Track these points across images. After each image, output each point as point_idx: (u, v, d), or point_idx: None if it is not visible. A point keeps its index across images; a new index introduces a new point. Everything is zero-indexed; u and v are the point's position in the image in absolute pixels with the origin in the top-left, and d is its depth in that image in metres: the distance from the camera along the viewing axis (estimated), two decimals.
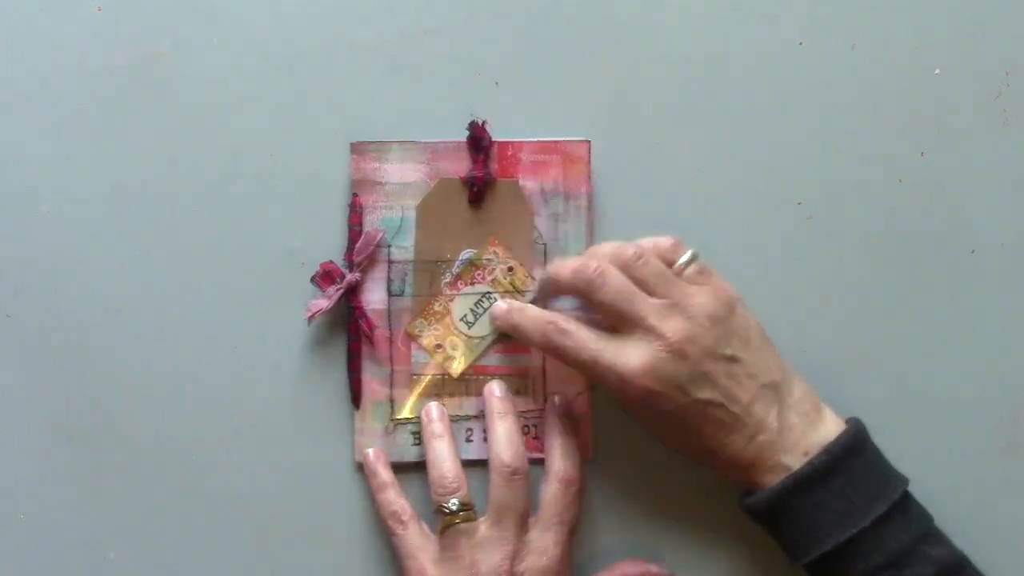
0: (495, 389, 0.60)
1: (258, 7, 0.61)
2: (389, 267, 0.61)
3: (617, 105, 0.61)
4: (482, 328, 0.61)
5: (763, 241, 0.61)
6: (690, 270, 0.57)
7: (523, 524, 0.57)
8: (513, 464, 0.57)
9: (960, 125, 0.61)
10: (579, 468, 0.59)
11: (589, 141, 0.61)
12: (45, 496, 0.63)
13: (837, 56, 0.61)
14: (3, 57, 0.62)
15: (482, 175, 0.60)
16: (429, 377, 0.61)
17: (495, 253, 0.61)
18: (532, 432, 0.61)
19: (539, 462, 0.60)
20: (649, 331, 0.54)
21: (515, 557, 0.57)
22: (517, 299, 0.60)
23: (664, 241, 0.57)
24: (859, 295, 0.61)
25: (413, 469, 0.61)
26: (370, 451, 0.61)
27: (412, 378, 0.61)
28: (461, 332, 0.61)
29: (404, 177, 0.61)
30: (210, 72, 0.61)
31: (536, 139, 0.60)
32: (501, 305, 0.59)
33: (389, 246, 0.61)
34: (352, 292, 0.60)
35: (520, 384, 0.61)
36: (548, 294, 0.59)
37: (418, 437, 0.61)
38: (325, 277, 0.60)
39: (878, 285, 0.61)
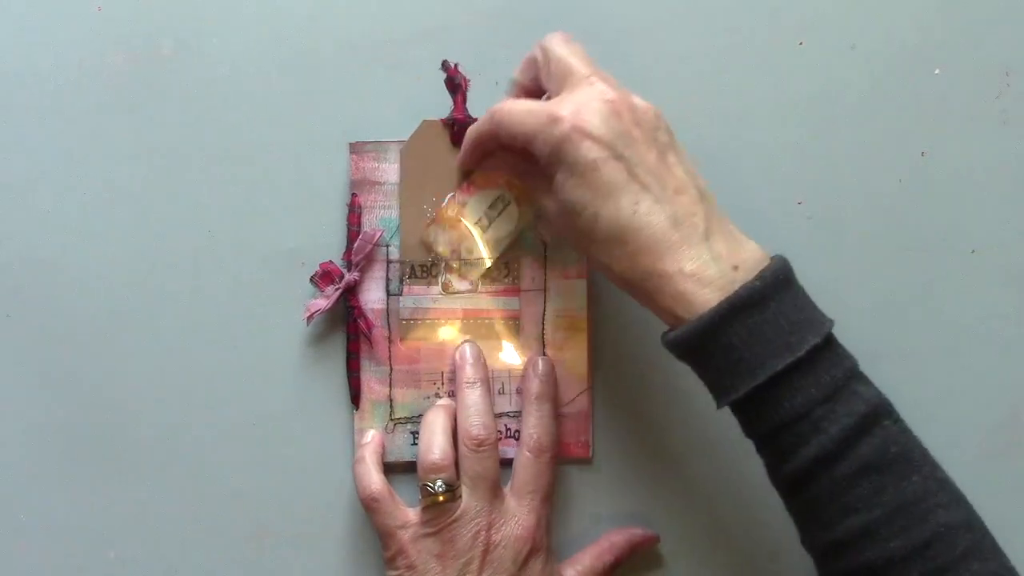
0: (467, 354, 0.60)
1: (258, 7, 0.61)
2: (387, 267, 0.61)
3: None
4: (498, 230, 0.60)
5: (763, 241, 0.61)
6: None
7: (497, 492, 0.58)
8: (480, 436, 0.57)
9: (960, 125, 0.61)
10: (551, 436, 0.59)
11: None
12: (45, 496, 0.63)
13: (837, 56, 0.61)
14: (3, 57, 0.62)
15: (462, 116, 0.60)
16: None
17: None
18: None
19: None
20: (588, 85, 0.52)
21: (491, 527, 0.57)
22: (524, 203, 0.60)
23: None
24: (859, 295, 0.61)
25: (413, 469, 0.61)
26: (371, 432, 0.61)
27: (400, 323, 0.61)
28: (478, 237, 0.60)
29: None
30: (210, 72, 0.61)
31: None
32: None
33: (387, 246, 0.61)
34: (351, 292, 0.60)
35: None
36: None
37: (418, 437, 0.61)
38: (324, 277, 0.61)
39: (878, 285, 0.61)
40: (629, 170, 0.50)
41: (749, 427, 0.51)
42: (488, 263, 0.60)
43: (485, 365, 0.60)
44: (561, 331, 0.61)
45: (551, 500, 0.59)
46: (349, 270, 0.60)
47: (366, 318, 0.61)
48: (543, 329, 0.61)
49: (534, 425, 0.59)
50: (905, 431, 0.50)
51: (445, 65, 0.60)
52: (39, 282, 0.62)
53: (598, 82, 0.52)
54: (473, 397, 0.59)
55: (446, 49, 0.61)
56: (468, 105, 0.60)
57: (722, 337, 0.49)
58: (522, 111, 0.53)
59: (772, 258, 0.51)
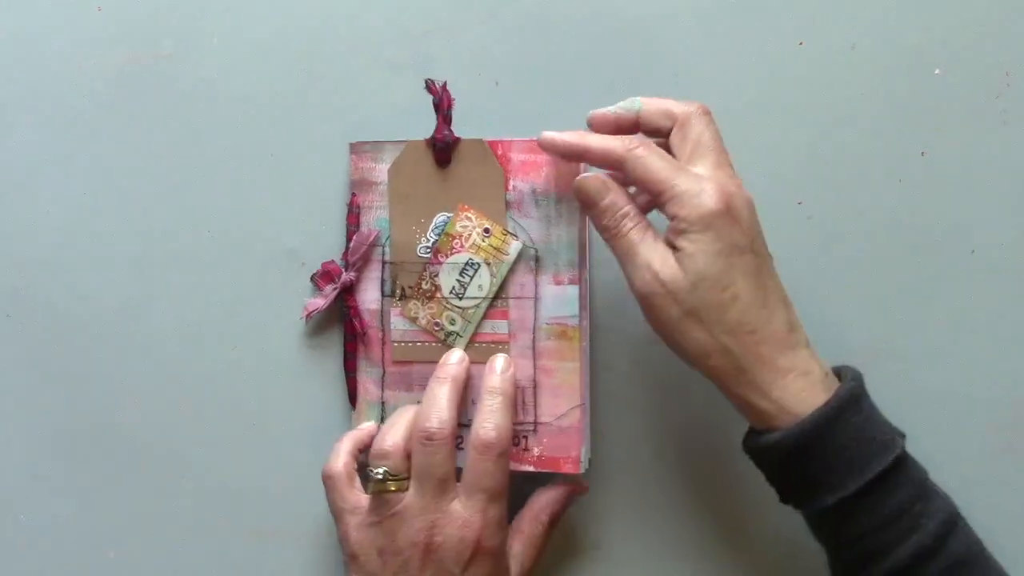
0: (452, 354, 0.59)
1: (258, 7, 0.61)
2: (383, 267, 0.60)
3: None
4: (471, 299, 0.59)
5: None
6: None
7: (445, 492, 0.55)
8: (429, 430, 0.55)
9: (960, 125, 0.60)
10: (500, 432, 0.55)
11: None
12: (45, 496, 0.63)
13: (837, 56, 0.61)
14: (3, 57, 0.62)
15: (442, 136, 0.59)
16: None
17: (468, 218, 0.59)
18: (523, 444, 0.59)
19: (528, 475, 0.59)
20: (728, 176, 0.53)
21: (433, 527, 0.54)
22: (500, 259, 0.59)
23: None
24: (859, 295, 0.61)
25: None
26: (371, 423, 0.60)
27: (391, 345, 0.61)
28: (454, 306, 0.60)
29: None
30: (210, 72, 0.62)
31: (526, 138, 0.58)
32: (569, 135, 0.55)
33: (383, 246, 0.60)
34: (348, 292, 0.60)
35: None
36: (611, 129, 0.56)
37: None
38: (324, 276, 0.61)
39: (878, 285, 0.61)
40: (760, 267, 0.52)
41: (841, 529, 0.52)
42: (464, 342, 0.59)
43: (467, 368, 0.58)
44: (552, 340, 0.58)
45: (504, 500, 0.56)
46: (347, 270, 0.60)
47: (361, 318, 0.60)
48: (533, 338, 0.59)
49: (480, 420, 0.56)
50: (970, 527, 0.53)
51: (428, 85, 0.60)
52: (39, 282, 0.62)
53: (734, 177, 0.53)
54: (437, 392, 0.56)
55: (446, 49, 0.61)
56: (471, 99, 0.60)
57: (833, 434, 0.51)
58: (662, 165, 0.52)
59: (842, 367, 0.54)
